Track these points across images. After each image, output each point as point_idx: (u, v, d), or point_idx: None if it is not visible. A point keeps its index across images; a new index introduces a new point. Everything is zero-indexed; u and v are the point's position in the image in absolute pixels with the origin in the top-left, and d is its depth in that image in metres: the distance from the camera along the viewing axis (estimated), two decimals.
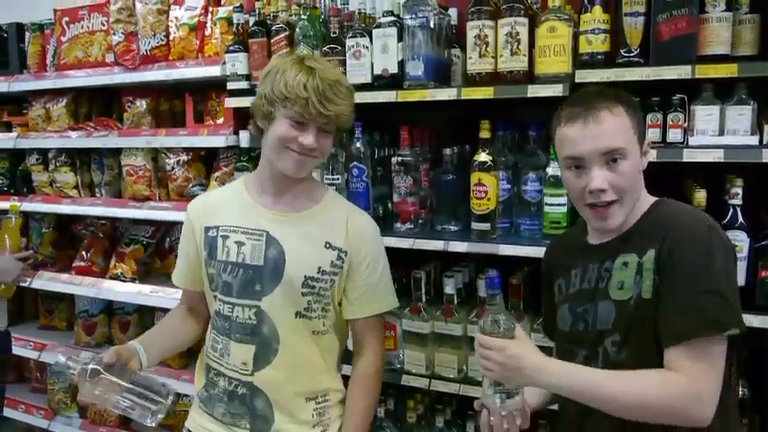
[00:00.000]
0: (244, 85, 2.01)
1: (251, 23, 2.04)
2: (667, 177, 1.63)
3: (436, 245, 1.81)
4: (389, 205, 1.99)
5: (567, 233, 1.49)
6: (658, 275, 1.13)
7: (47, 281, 2.61)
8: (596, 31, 1.58)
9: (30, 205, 2.62)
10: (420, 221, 1.91)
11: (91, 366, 1.26)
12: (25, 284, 2.51)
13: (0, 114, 2.78)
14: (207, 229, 1.49)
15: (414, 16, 1.74)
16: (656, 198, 1.25)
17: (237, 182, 1.58)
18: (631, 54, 1.57)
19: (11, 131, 2.70)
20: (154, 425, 1.32)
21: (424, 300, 1.88)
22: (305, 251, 1.43)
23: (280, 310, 1.43)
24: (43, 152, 2.60)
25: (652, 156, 1.53)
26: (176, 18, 2.19)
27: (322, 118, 1.33)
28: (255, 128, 1.45)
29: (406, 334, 1.90)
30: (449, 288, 1.84)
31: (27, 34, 2.67)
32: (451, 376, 1.86)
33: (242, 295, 1.44)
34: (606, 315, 1.20)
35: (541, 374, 1.14)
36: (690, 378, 1.06)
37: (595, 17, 1.57)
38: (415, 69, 1.75)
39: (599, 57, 1.59)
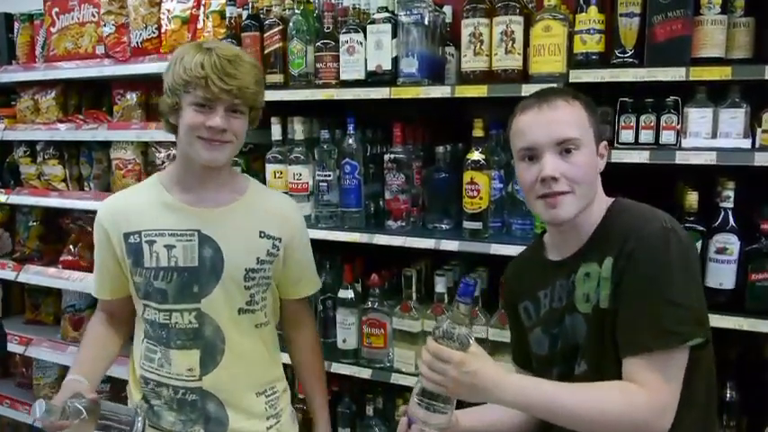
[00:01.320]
0: None
1: (244, 17, 2.02)
2: (660, 179, 1.64)
3: (428, 243, 1.81)
4: (381, 202, 1.98)
5: (524, 255, 1.43)
6: (616, 284, 1.09)
7: (33, 275, 2.58)
8: (591, 32, 1.58)
9: (17, 198, 2.59)
10: (411, 219, 1.90)
11: (78, 405, 1.20)
12: (11, 278, 2.49)
13: None
14: (126, 235, 1.38)
15: (408, 13, 1.73)
16: (613, 198, 1.21)
17: (150, 181, 1.47)
18: (626, 55, 1.57)
19: None
20: None
21: (414, 298, 1.87)
22: (241, 244, 1.39)
23: (222, 308, 1.38)
24: (31, 144, 2.57)
25: (644, 157, 1.55)
26: (168, 10, 2.16)
27: (225, 95, 1.25)
28: (168, 125, 1.37)
29: (396, 332, 1.90)
30: (440, 287, 1.83)
31: (16, 24, 2.64)
32: None
33: (179, 300, 1.37)
34: (578, 329, 1.17)
35: (496, 391, 1.08)
36: (651, 390, 1.03)
37: (591, 17, 1.57)
38: (409, 66, 1.74)
39: (593, 57, 1.59)
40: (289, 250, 1.46)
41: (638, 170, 1.56)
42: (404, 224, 1.88)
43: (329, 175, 1.92)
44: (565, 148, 1.12)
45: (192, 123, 1.28)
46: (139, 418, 1.29)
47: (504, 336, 1.66)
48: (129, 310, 1.48)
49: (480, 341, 1.22)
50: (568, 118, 1.13)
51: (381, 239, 1.84)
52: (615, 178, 1.30)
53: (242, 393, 1.43)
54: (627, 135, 1.61)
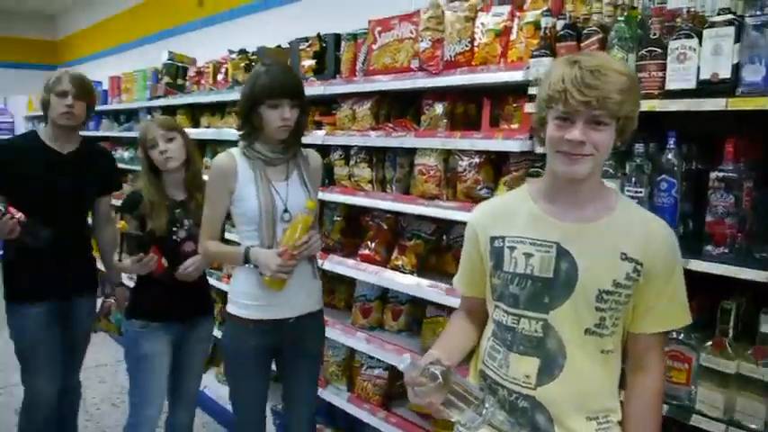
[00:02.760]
0: None
1: (559, 27, 2.01)
2: None
3: (755, 274, 1.58)
4: (691, 224, 1.80)
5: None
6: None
7: (336, 264, 2.89)
8: None
9: (329, 195, 2.93)
10: (735, 246, 1.69)
11: (433, 370, 1.30)
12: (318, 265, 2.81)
13: (312, 114, 3.15)
14: (492, 239, 1.48)
15: (757, 14, 1.55)
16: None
17: (521, 190, 1.55)
18: None
19: (320, 129, 3.04)
20: (480, 429, 1.32)
21: (730, 335, 1.66)
22: (599, 263, 1.36)
23: (568, 324, 1.37)
24: (346, 149, 2.89)
25: None
26: (483, 24, 2.25)
27: (583, 107, 1.24)
28: (539, 140, 1.42)
29: (703, 370, 1.70)
30: (765, 326, 1.59)
31: (342, 43, 3.00)
32: (754, 427, 1.61)
33: (528, 307, 1.40)
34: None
35: None
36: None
37: None
38: (754, 74, 1.55)
39: None
40: (650, 277, 1.37)
41: None
42: (726, 251, 1.67)
43: (640, 192, 1.79)
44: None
45: (553, 137, 1.31)
46: (491, 400, 1.35)
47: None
48: (485, 311, 1.56)
49: None
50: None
51: (699, 266, 1.66)
52: None
53: (573, 414, 1.40)
54: None
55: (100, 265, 2.99)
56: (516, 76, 2.07)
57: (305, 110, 2.17)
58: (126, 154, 5.45)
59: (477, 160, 2.27)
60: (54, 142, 2.70)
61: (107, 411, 4.09)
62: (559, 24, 2.03)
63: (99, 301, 3.03)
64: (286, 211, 2.12)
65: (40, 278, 2.66)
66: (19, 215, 2.39)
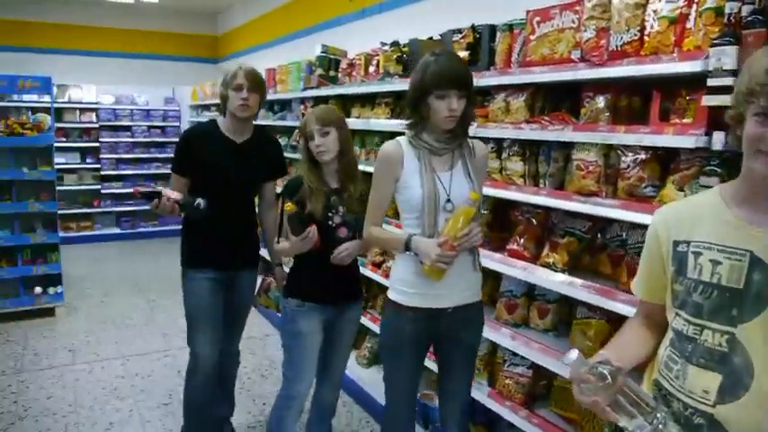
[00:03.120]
0: (728, 81, 1.82)
1: (745, 12, 1.84)
2: None
3: None
4: None
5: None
6: None
7: (482, 257, 2.85)
8: None
9: None
10: None
11: (602, 370, 1.28)
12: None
13: None
14: (676, 243, 1.40)
15: None
16: None
17: (711, 192, 1.43)
18: None
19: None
20: None
21: None
22: None
23: (759, 341, 1.25)
24: (498, 141, 2.85)
25: None
26: (655, 11, 2.11)
27: None
28: (734, 138, 1.29)
29: None
30: None
31: (498, 34, 2.95)
32: None
33: (713, 318, 1.30)
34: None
35: None
36: None
37: None
38: None
39: None
40: None
41: None
42: None
43: None
44: None
45: (753, 135, 1.21)
46: (664, 410, 1.28)
47: None
48: (664, 318, 1.49)
49: None
50: None
51: None
52: None
53: None
54: None
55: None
56: (693, 66, 1.92)
57: (473, 100, 2.16)
58: (280, 141, 5.78)
59: (642, 156, 2.14)
60: (230, 132, 2.95)
61: (257, 381, 4.40)
62: (746, 10, 1.85)
63: (259, 279, 3.27)
64: (449, 200, 2.14)
65: (210, 249, 2.98)
66: (174, 195, 2.70)
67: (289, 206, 2.53)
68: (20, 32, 9.30)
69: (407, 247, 2.15)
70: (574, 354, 1.31)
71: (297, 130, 5.40)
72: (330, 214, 2.63)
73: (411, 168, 2.17)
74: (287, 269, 2.93)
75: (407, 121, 2.23)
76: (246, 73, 2.86)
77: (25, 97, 7.96)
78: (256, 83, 2.88)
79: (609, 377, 1.26)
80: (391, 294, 2.30)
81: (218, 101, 3.11)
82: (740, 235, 1.30)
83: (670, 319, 1.44)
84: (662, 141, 2.01)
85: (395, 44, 3.79)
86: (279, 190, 3.10)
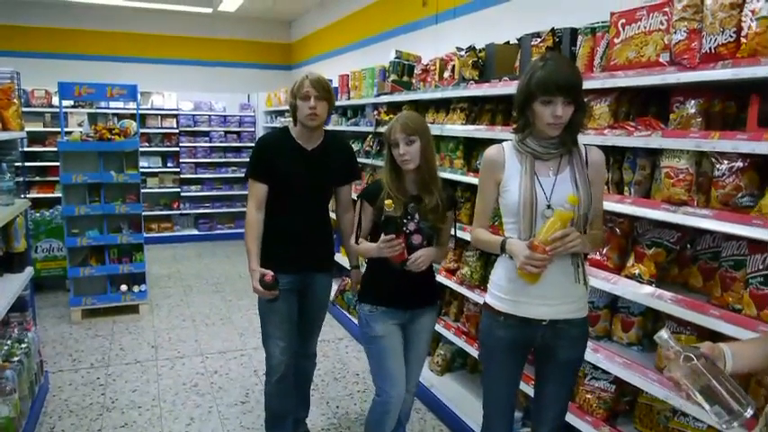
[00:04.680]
0: None
1: None
2: None
3: None
4: None
5: None
6: None
7: None
8: None
9: None
10: None
11: (685, 353, 1.39)
12: None
13: None
14: None
15: None
16: None
17: None
18: None
19: None
20: (724, 427, 1.31)
21: None
22: None
23: None
24: None
25: None
26: (753, 11, 1.99)
27: None
28: None
29: None
30: None
31: (579, 37, 2.87)
32: None
33: None
34: None
35: None
36: None
37: None
38: None
39: None
40: None
41: None
42: None
43: None
44: None
45: None
46: (754, 408, 1.31)
47: None
48: None
49: None
50: None
51: None
52: None
53: None
54: None
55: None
56: None
57: (582, 107, 2.10)
58: (354, 147, 5.84)
59: (739, 164, 2.03)
60: (301, 140, 3.00)
61: (330, 384, 4.46)
62: None
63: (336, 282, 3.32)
64: (549, 207, 2.09)
65: (286, 255, 3.02)
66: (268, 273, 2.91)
67: (389, 203, 2.51)
68: (107, 42, 9.85)
69: (503, 249, 2.14)
70: (664, 333, 1.47)
71: (369, 136, 5.45)
72: (405, 221, 2.63)
73: (512, 172, 2.15)
74: (362, 271, 2.96)
75: (513, 125, 2.21)
76: (312, 81, 2.89)
77: (112, 104, 8.39)
78: (323, 90, 2.91)
79: (694, 359, 1.37)
80: (487, 298, 2.30)
81: None
82: None
83: None
84: (761, 149, 1.90)
85: (471, 49, 3.76)
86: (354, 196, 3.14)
